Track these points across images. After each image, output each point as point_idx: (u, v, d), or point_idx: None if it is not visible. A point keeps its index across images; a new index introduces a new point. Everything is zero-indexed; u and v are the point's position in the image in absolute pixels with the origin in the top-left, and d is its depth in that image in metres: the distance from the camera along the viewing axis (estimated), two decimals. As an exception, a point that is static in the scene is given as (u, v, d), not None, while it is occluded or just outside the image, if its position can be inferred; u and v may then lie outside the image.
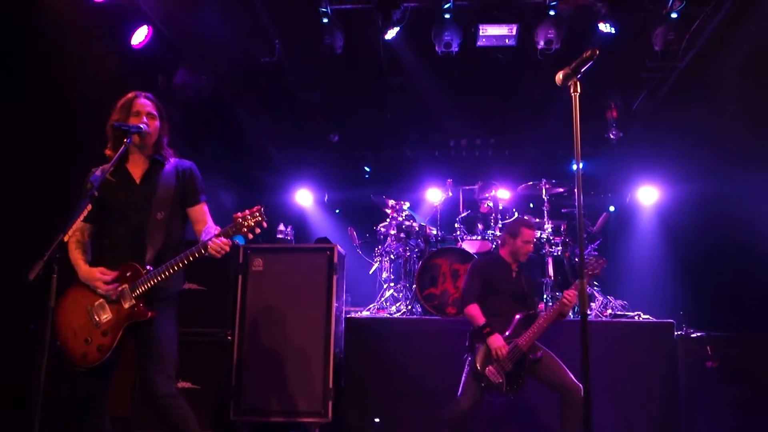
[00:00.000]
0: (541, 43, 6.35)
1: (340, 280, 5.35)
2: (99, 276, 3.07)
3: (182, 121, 6.28)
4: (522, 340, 4.27)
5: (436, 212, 6.86)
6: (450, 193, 6.96)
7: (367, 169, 9.78)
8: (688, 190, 7.40)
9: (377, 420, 5.15)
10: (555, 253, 6.31)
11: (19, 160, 4.39)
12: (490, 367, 4.23)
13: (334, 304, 5.08)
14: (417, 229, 6.54)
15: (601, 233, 6.77)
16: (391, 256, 6.76)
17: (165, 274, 3.06)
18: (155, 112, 3.26)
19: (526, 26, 6.42)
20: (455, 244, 6.47)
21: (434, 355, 5.26)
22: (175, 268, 3.06)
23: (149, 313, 3.08)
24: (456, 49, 6.49)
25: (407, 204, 6.82)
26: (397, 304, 6.33)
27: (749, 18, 5.53)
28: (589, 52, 2.70)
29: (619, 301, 6.14)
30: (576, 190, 2.82)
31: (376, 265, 7.06)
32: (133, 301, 3.06)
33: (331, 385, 4.92)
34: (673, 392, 5.12)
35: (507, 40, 6.55)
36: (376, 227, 6.91)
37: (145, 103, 3.24)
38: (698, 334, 5.16)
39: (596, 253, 6.35)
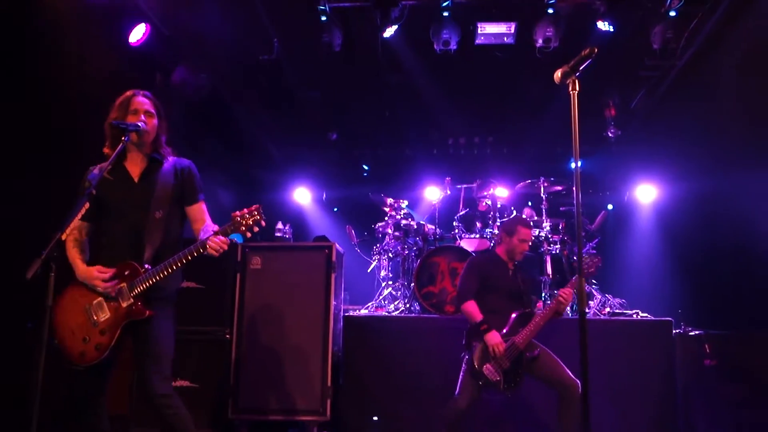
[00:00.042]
0: (540, 41, 6.34)
1: (339, 278, 5.35)
2: (97, 275, 3.06)
3: (180, 119, 6.28)
4: (519, 338, 4.27)
5: (434, 210, 6.86)
6: (448, 192, 6.96)
7: (365, 167, 9.77)
8: (687, 189, 7.41)
9: (375, 418, 5.15)
10: (553, 252, 6.32)
11: (19, 159, 4.38)
12: (488, 365, 4.23)
13: (333, 303, 5.08)
14: (415, 227, 6.54)
15: (600, 231, 6.77)
16: (390, 255, 6.75)
17: (163, 273, 3.05)
18: (153, 110, 3.25)
19: (524, 24, 6.42)
20: (454, 243, 6.47)
21: (432, 353, 5.26)
22: (174, 267, 3.05)
23: (147, 312, 3.07)
24: (454, 47, 6.49)
25: (405, 202, 6.82)
26: (396, 303, 6.33)
27: (747, 16, 5.53)
28: (587, 50, 2.70)
29: (618, 299, 6.15)
30: (574, 189, 2.82)
31: (374, 264, 7.06)
32: (131, 300, 3.06)
33: (329, 384, 4.93)
34: (671, 390, 5.14)
35: (505, 38, 6.55)
36: (375, 225, 6.92)
37: (143, 101, 3.23)
38: (696, 332, 5.17)
39: (594, 251, 6.36)
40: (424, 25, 6.48)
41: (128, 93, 3.25)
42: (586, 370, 2.59)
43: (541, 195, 6.56)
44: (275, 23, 6.46)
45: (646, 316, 5.71)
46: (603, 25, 6.17)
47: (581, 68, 2.74)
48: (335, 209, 9.86)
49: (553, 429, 4.51)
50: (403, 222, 6.55)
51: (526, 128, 8.62)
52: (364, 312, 6.33)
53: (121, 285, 3.07)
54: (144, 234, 3.15)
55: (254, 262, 5.22)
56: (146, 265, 3.10)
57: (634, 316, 5.77)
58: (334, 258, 5.18)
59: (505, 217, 6.40)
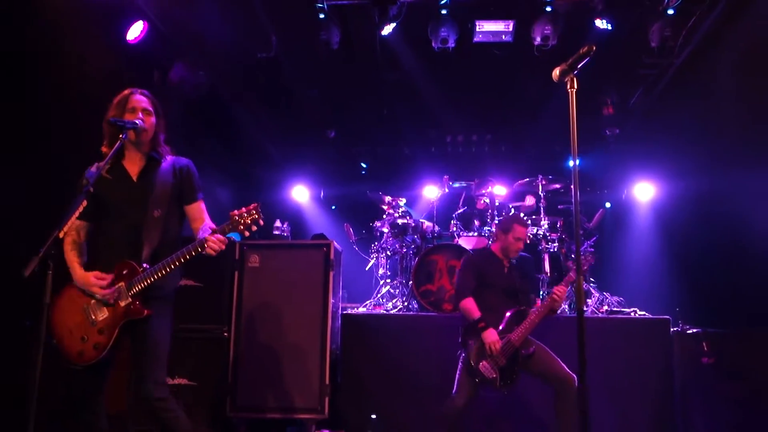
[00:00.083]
0: (538, 39, 6.33)
1: (337, 276, 5.34)
2: (94, 281, 3.04)
3: (178, 118, 6.26)
4: (515, 336, 4.29)
5: (432, 208, 6.85)
6: (446, 190, 6.95)
7: (363, 165, 9.77)
8: (684, 187, 7.42)
9: (374, 416, 5.15)
10: (551, 250, 6.32)
11: (18, 158, 4.37)
12: (484, 362, 4.25)
13: (331, 301, 5.08)
14: (413, 225, 6.54)
15: (598, 230, 6.78)
16: (388, 253, 6.76)
17: (162, 272, 3.04)
18: (151, 109, 3.24)
19: (522, 22, 6.41)
20: (452, 241, 6.47)
21: (431, 351, 5.27)
22: (172, 266, 3.04)
23: (145, 312, 3.06)
24: (452, 45, 6.48)
25: (404, 200, 6.82)
26: (394, 301, 6.33)
27: (745, 14, 5.53)
28: (585, 48, 2.70)
29: (616, 298, 6.16)
30: (572, 187, 2.82)
31: (372, 262, 7.06)
32: (130, 300, 3.05)
33: (327, 382, 4.92)
34: (668, 388, 5.14)
35: (503, 36, 6.54)
36: (373, 223, 6.91)
37: (140, 99, 3.22)
38: (694, 330, 5.18)
39: (592, 249, 6.36)
40: (422, 23, 6.47)
41: (126, 91, 3.24)
42: (584, 368, 2.59)
43: (540, 193, 6.56)
44: (273, 21, 6.44)
45: (644, 314, 5.71)
46: (601, 23, 6.17)
47: (579, 66, 2.74)
48: (333, 207, 9.86)
49: (550, 426, 4.53)
50: (401, 220, 6.55)
51: (524, 126, 8.62)
52: (362, 310, 6.34)
53: (120, 284, 3.06)
54: (142, 233, 3.14)
55: (252, 260, 5.21)
56: (144, 264, 3.09)
57: (632, 314, 5.77)
58: (332, 256, 5.18)
59: (503, 216, 6.40)
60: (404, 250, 6.53)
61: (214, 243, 2.98)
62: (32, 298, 2.68)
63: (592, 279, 6.41)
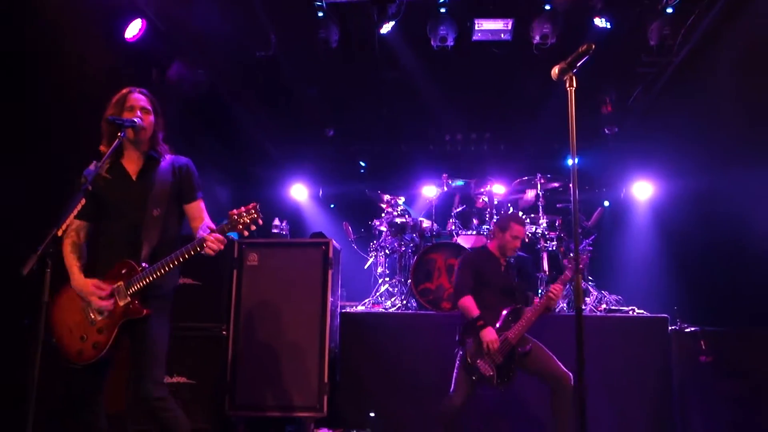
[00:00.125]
0: (537, 37, 6.34)
1: (336, 274, 5.34)
2: (93, 289, 3.02)
3: (177, 116, 6.25)
4: (511, 334, 4.30)
5: (431, 207, 6.86)
6: (445, 188, 6.96)
7: (362, 163, 9.76)
8: (683, 186, 7.42)
9: (372, 414, 5.15)
10: (550, 248, 6.32)
11: (18, 158, 4.37)
12: (481, 360, 4.26)
13: (330, 299, 5.08)
14: (412, 224, 6.54)
15: (596, 228, 6.78)
16: (386, 251, 6.76)
17: (160, 271, 3.03)
18: (149, 107, 3.23)
19: (521, 21, 6.41)
20: (450, 239, 6.47)
21: (429, 349, 5.27)
22: (171, 265, 3.03)
23: (144, 311, 3.06)
24: (451, 44, 6.48)
25: (402, 199, 6.82)
26: (392, 299, 6.33)
27: (744, 13, 5.53)
28: (584, 47, 2.70)
29: (614, 296, 6.17)
30: (571, 185, 2.82)
31: (371, 260, 7.06)
32: (129, 299, 3.04)
33: (326, 380, 4.92)
34: (667, 386, 5.15)
35: (502, 35, 6.55)
36: (372, 222, 6.91)
37: (138, 97, 3.21)
38: (692, 328, 5.19)
39: (590, 248, 6.37)
40: (421, 21, 6.47)
41: (124, 90, 3.23)
42: (582, 366, 2.59)
43: (538, 192, 6.56)
44: (272, 19, 6.44)
45: (642, 313, 5.72)
46: (600, 22, 6.18)
47: (578, 65, 2.74)
48: (332, 206, 9.84)
49: (547, 424, 4.54)
50: (400, 219, 6.55)
51: (523, 125, 8.61)
52: (360, 308, 6.34)
53: (118, 284, 3.06)
54: (142, 232, 3.13)
55: (251, 258, 5.21)
56: (143, 264, 3.08)
57: (630, 312, 5.78)
58: (331, 254, 5.17)
59: (501, 214, 6.41)
60: (403, 249, 6.54)
61: (213, 243, 2.97)
62: (31, 297, 2.67)
63: (590, 278, 6.42)
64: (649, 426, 5.08)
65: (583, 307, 5.67)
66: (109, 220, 3.18)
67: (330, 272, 5.14)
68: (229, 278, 5.14)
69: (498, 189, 6.78)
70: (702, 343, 5.05)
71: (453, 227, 6.58)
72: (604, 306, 6.00)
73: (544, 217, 6.39)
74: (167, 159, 3.31)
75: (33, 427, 2.56)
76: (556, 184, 6.68)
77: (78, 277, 3.08)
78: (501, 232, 4.70)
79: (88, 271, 3.14)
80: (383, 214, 6.77)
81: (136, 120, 3.12)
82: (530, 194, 6.67)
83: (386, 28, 6.39)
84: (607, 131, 8.23)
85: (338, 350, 5.41)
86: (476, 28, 6.45)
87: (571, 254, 4.71)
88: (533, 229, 6.31)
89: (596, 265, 6.90)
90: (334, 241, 5.32)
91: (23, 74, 4.44)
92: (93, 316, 3.06)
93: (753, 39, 5.46)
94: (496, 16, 6.41)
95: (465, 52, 6.79)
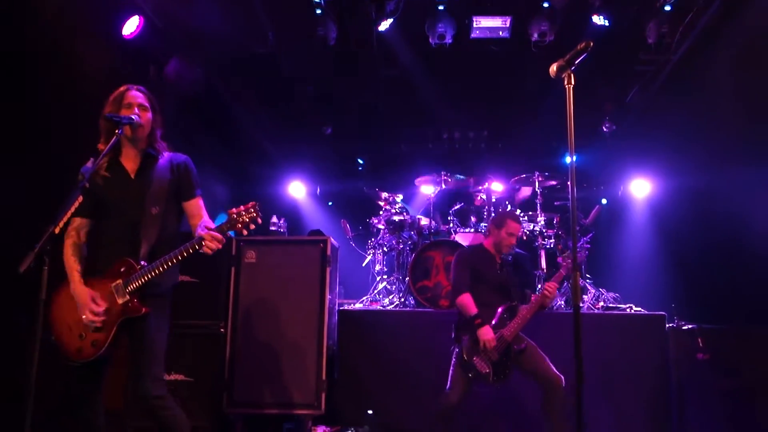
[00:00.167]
0: (535, 35, 6.34)
1: (334, 272, 5.34)
2: (88, 302, 3.01)
3: (174, 113, 6.24)
4: (507, 331, 4.32)
5: (429, 205, 6.86)
6: (443, 186, 6.96)
7: (360, 161, 9.76)
8: (681, 183, 7.43)
9: (370, 412, 5.16)
10: (548, 246, 6.33)
11: (18, 158, 4.36)
12: (477, 358, 4.27)
13: (328, 297, 5.08)
14: (410, 221, 6.54)
15: (594, 226, 6.79)
16: (384, 249, 6.76)
17: (159, 269, 3.03)
18: (147, 104, 3.22)
19: (519, 18, 6.41)
20: (448, 237, 6.47)
21: (427, 347, 5.28)
22: (170, 263, 3.03)
23: (143, 309, 3.05)
24: (450, 41, 6.48)
25: (400, 196, 6.82)
26: (390, 297, 6.34)
27: (743, 11, 5.53)
28: (583, 44, 2.70)
29: (611, 294, 6.18)
30: (569, 183, 2.82)
31: (369, 258, 7.06)
32: (127, 297, 3.04)
33: (324, 378, 4.92)
34: (664, 384, 5.17)
35: (501, 32, 6.55)
36: (370, 220, 6.91)
37: (136, 95, 3.20)
38: (689, 326, 5.19)
39: (588, 245, 6.37)
40: (420, 19, 6.46)
41: (122, 88, 3.22)
42: (580, 364, 2.60)
43: (536, 189, 6.56)
44: (270, 16, 6.43)
45: (640, 311, 5.74)
46: (598, 19, 6.18)
47: (576, 62, 2.74)
48: (330, 203, 9.84)
49: (543, 421, 4.54)
50: (398, 216, 6.55)
51: (521, 122, 8.61)
52: (358, 306, 6.35)
53: (117, 282, 3.05)
54: (140, 230, 3.13)
55: (249, 255, 5.20)
56: (142, 262, 3.08)
57: (628, 310, 5.80)
58: (329, 252, 5.17)
59: (500, 211, 6.41)
60: (401, 247, 6.54)
61: (211, 241, 2.97)
62: (29, 295, 2.66)
63: (588, 275, 6.43)
64: (646, 423, 5.10)
65: (581, 304, 5.69)
66: (107, 219, 3.18)
67: (328, 270, 5.13)
68: (227, 276, 5.13)
69: (496, 187, 6.79)
70: (699, 340, 5.06)
71: (451, 225, 6.58)
72: (601, 303, 6.01)
73: (542, 214, 6.39)
74: (165, 156, 3.30)
75: (31, 425, 2.56)
76: (553, 182, 6.68)
77: (77, 284, 3.07)
78: (496, 229, 4.71)
79: (89, 270, 3.14)
80: (381, 212, 6.77)
81: (133, 117, 3.11)
82: (525, 192, 6.67)
83: (384, 25, 6.38)
84: (605, 129, 8.23)
85: (336, 348, 5.41)
86: (474, 25, 6.45)
87: (567, 252, 4.71)
88: (531, 227, 6.32)
89: (594, 262, 6.92)
90: (332, 239, 5.32)
91: (23, 74, 4.43)
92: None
93: (751, 37, 5.47)
94: (494, 13, 6.41)
95: (463, 49, 6.78)
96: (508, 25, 6.45)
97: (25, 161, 4.40)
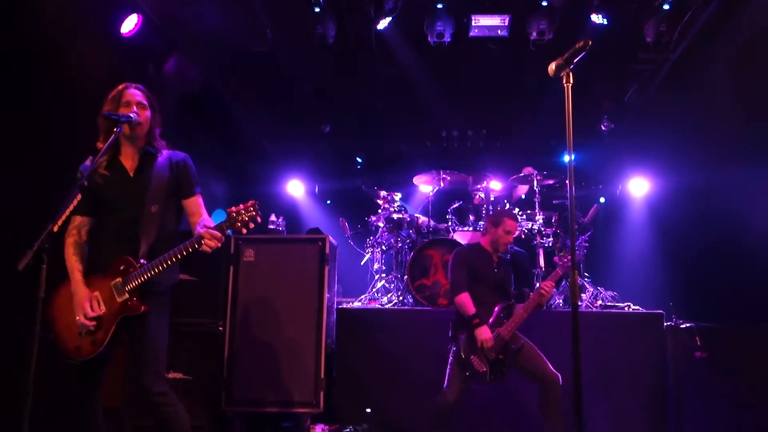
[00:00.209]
0: (534, 33, 6.35)
1: (332, 270, 5.34)
2: (84, 305, 3.00)
3: (173, 112, 6.24)
4: (504, 330, 4.33)
5: (427, 203, 6.86)
6: (442, 184, 6.96)
7: (358, 159, 9.76)
8: (679, 182, 7.44)
9: (369, 410, 5.16)
10: (546, 245, 6.34)
11: (18, 158, 4.35)
12: (474, 356, 4.28)
13: (326, 295, 5.08)
14: (408, 220, 6.54)
15: (592, 225, 6.80)
16: (383, 247, 6.76)
17: (158, 268, 3.03)
18: (146, 102, 3.22)
19: (518, 17, 6.42)
20: (447, 235, 6.48)
21: (425, 345, 5.28)
22: (169, 262, 3.03)
23: (143, 308, 3.05)
24: (448, 40, 6.49)
25: (399, 195, 6.82)
26: (389, 295, 6.34)
27: (741, 9, 5.54)
28: (581, 43, 2.70)
29: (610, 292, 6.18)
30: (568, 182, 2.83)
31: (367, 256, 7.06)
32: (127, 295, 3.04)
33: (322, 376, 4.93)
34: (662, 382, 5.18)
35: (499, 31, 6.55)
36: (368, 218, 6.91)
37: (134, 93, 3.20)
38: (687, 324, 5.20)
39: (587, 244, 6.39)
40: (418, 18, 6.46)
41: (120, 86, 3.22)
42: (578, 362, 2.60)
43: (534, 188, 6.57)
44: (269, 15, 6.42)
45: (638, 309, 5.74)
46: (597, 18, 6.19)
47: (575, 61, 2.74)
48: (328, 202, 9.84)
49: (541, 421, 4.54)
50: (396, 215, 6.55)
51: (519, 121, 8.62)
52: (357, 304, 6.35)
53: (116, 280, 3.05)
54: (140, 229, 3.12)
55: (247, 254, 5.20)
56: (141, 260, 3.08)
57: (626, 308, 5.81)
58: (327, 250, 5.17)
59: (499, 210, 6.41)
60: (399, 245, 6.54)
61: (211, 240, 2.97)
62: (27, 293, 2.66)
63: (586, 274, 6.43)
64: (644, 421, 5.10)
65: (579, 303, 5.69)
66: (107, 217, 3.17)
67: (326, 268, 5.13)
68: (225, 274, 5.13)
69: (494, 185, 6.79)
70: (697, 339, 5.07)
71: (449, 223, 6.58)
72: (600, 302, 6.01)
73: (541, 213, 6.39)
74: (164, 154, 3.30)
75: (30, 423, 2.55)
76: (552, 181, 6.69)
77: (78, 284, 3.07)
78: (493, 227, 4.71)
79: (89, 268, 3.14)
80: (380, 210, 6.77)
81: (132, 115, 3.11)
82: (522, 189, 6.68)
83: (383, 24, 6.38)
84: (603, 128, 8.24)
85: (335, 346, 5.41)
86: (473, 24, 6.45)
87: (563, 251, 4.72)
88: (529, 226, 6.32)
89: (592, 261, 6.92)
90: (331, 237, 5.32)
91: (23, 74, 4.42)
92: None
93: (750, 35, 5.48)
94: (493, 12, 6.41)
95: (462, 48, 6.79)
96: (506, 23, 6.45)
97: (25, 161, 4.39)
